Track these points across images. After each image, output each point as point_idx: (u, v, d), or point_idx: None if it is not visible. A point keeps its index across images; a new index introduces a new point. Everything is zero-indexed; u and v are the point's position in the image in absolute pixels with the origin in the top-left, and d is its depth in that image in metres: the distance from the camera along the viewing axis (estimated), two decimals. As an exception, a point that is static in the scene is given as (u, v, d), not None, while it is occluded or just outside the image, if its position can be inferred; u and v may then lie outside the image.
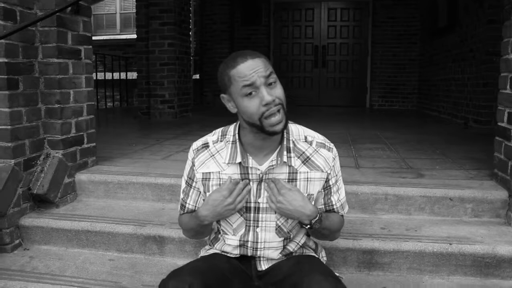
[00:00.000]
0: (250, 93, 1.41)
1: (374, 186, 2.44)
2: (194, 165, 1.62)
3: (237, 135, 1.56)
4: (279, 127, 1.43)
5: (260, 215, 1.58)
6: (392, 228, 2.25)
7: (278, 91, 1.44)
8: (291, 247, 1.66)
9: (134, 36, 6.07)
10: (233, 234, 1.61)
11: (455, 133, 4.70)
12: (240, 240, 1.62)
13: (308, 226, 1.51)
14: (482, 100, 4.93)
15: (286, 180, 1.55)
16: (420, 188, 2.39)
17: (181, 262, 2.12)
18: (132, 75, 7.17)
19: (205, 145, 1.62)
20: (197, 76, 7.70)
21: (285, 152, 1.54)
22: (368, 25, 8.02)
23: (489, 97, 4.86)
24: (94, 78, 2.88)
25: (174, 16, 5.30)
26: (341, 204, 1.65)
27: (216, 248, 1.71)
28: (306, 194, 1.56)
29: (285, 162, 1.53)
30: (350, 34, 8.15)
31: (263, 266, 1.66)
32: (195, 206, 1.66)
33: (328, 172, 1.58)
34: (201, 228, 1.64)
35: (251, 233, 1.60)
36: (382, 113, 7.25)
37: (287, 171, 1.54)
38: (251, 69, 1.41)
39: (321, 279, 1.41)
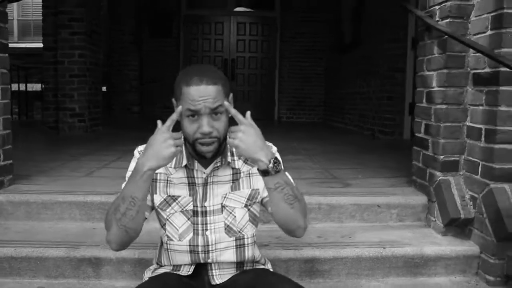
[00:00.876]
0: (193, 116, 1.42)
1: (308, 196, 2.50)
2: None
3: (182, 138, 1.52)
4: (208, 155, 1.47)
5: (208, 217, 1.56)
6: (327, 236, 2.34)
7: (220, 124, 1.44)
8: (247, 253, 1.65)
9: (35, 45, 5.68)
10: (178, 240, 1.57)
11: (365, 144, 5.03)
12: (189, 246, 1.57)
13: (268, 167, 1.41)
14: (387, 112, 5.34)
15: (231, 181, 1.57)
16: (350, 197, 2.53)
17: (119, 284, 2.04)
18: (33, 86, 6.68)
19: None
20: (104, 89, 7.39)
21: (228, 153, 1.57)
22: (276, 40, 8.30)
23: (393, 109, 5.29)
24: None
25: (85, 25, 5.04)
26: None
27: (165, 265, 1.65)
28: (250, 189, 1.58)
29: (229, 163, 1.56)
30: (259, 48, 8.36)
31: (217, 280, 1.63)
32: None
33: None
34: (133, 190, 1.44)
35: (200, 237, 1.57)
36: (291, 125, 7.51)
37: (231, 173, 1.57)
38: (201, 96, 1.41)
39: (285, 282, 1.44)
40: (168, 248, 1.62)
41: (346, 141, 5.21)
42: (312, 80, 8.24)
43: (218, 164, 1.55)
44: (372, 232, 2.38)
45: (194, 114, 1.42)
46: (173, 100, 1.51)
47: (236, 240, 1.60)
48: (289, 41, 8.15)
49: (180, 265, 1.63)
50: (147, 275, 1.73)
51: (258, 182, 1.59)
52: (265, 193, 1.59)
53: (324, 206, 2.48)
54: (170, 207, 1.57)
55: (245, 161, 1.59)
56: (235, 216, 1.58)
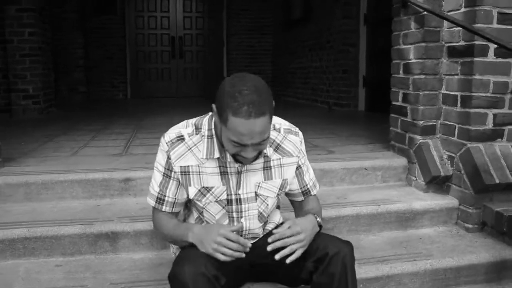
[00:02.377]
0: (235, 145, 1.44)
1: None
2: (170, 158, 1.60)
3: (212, 130, 1.58)
4: (245, 163, 1.55)
5: (243, 205, 1.65)
6: (324, 198, 2.51)
7: (264, 147, 1.51)
8: (270, 226, 1.79)
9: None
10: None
11: (325, 116, 5.26)
12: None
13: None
14: (342, 85, 5.61)
15: (262, 169, 1.66)
16: (340, 162, 2.72)
17: (137, 256, 2.10)
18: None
19: (180, 138, 1.60)
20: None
21: None
22: (222, 16, 8.29)
23: (348, 82, 5.56)
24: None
25: (34, 1, 4.79)
26: (313, 183, 1.81)
27: None
28: (281, 179, 1.69)
29: (273, 152, 1.65)
30: (206, 25, 8.32)
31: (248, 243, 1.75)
32: (175, 199, 1.65)
33: (298, 155, 1.71)
34: (179, 241, 1.64)
35: (235, 223, 1.66)
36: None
37: (262, 161, 1.65)
38: (249, 132, 1.39)
39: (335, 240, 1.60)
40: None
41: (307, 114, 5.42)
42: (261, 56, 8.37)
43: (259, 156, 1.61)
44: (362, 192, 2.59)
45: (239, 144, 1.44)
46: (214, 106, 1.47)
47: (264, 224, 1.74)
48: (236, 18, 8.20)
49: None
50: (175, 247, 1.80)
51: (288, 172, 1.70)
52: (295, 186, 1.76)
53: (317, 171, 2.64)
54: (205, 198, 1.64)
55: (276, 149, 1.68)
56: (267, 204, 1.69)
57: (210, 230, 1.52)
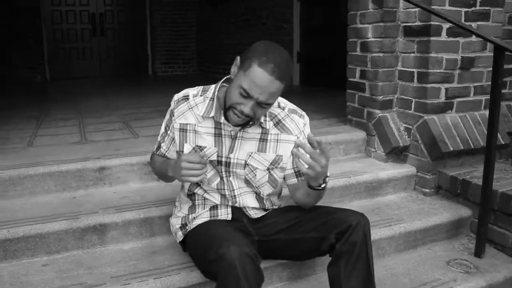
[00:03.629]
0: (243, 94, 1.50)
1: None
2: (173, 115, 1.74)
3: (216, 93, 1.69)
4: (232, 123, 1.62)
5: (231, 168, 1.73)
6: (297, 174, 2.62)
7: (262, 112, 1.59)
8: (270, 204, 1.85)
9: None
10: (208, 184, 1.75)
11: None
12: (218, 189, 1.76)
13: (322, 185, 1.65)
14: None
15: (258, 140, 1.72)
16: (307, 138, 2.83)
17: (126, 246, 2.07)
18: None
19: (186, 97, 1.75)
20: None
21: (262, 116, 1.69)
22: (144, -9, 7.98)
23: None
24: None
25: None
26: None
27: (203, 217, 1.78)
28: (275, 155, 1.75)
29: (261, 123, 1.71)
30: (128, 1, 7.93)
31: (255, 216, 1.81)
32: (166, 151, 1.82)
33: (298, 136, 1.77)
34: (165, 175, 1.78)
35: (225, 181, 1.75)
36: (170, 79, 7.42)
37: (260, 131, 1.72)
38: (262, 86, 1.47)
39: (351, 212, 1.71)
40: (202, 189, 1.79)
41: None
42: (185, 33, 8.18)
43: (250, 123, 1.67)
44: (330, 166, 2.71)
45: (244, 95, 1.50)
46: (238, 58, 1.57)
47: (253, 191, 1.80)
48: (159, -7, 7.92)
49: (217, 207, 1.77)
50: (179, 222, 1.83)
51: (284, 149, 1.75)
52: (289, 165, 1.79)
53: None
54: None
55: (276, 124, 1.74)
56: (255, 175, 1.75)
57: (177, 160, 1.64)
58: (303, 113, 1.81)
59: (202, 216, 1.79)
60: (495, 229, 2.33)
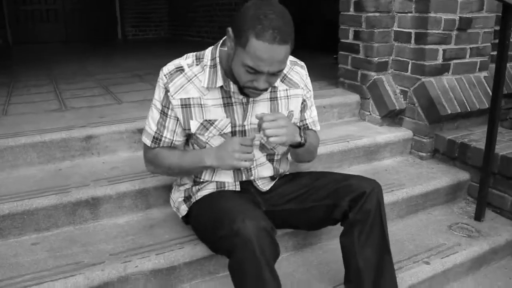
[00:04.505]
0: (251, 72, 1.36)
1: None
2: (168, 91, 1.52)
3: (217, 58, 1.51)
4: (255, 96, 1.50)
5: (247, 136, 1.60)
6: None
7: (276, 79, 1.44)
8: (283, 167, 1.75)
9: None
10: None
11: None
12: None
13: (301, 142, 1.54)
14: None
15: (268, 99, 1.61)
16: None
17: (121, 220, 1.95)
18: None
19: (180, 69, 1.53)
20: None
21: None
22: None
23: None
24: None
25: None
26: (313, 121, 1.79)
27: (204, 180, 1.67)
28: (287, 111, 1.65)
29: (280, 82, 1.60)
30: (93, -41, 7.44)
31: (264, 188, 1.72)
32: (173, 138, 1.59)
33: (303, 88, 1.69)
34: (193, 169, 1.59)
35: None
36: (142, 43, 7.10)
37: (269, 91, 1.59)
38: (267, 58, 1.31)
39: (364, 178, 1.63)
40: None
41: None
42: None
43: None
44: (324, 130, 2.61)
45: (252, 71, 1.36)
46: (229, 30, 1.38)
47: (267, 155, 1.68)
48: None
49: (224, 182, 1.65)
50: (181, 195, 1.71)
51: (295, 104, 1.67)
52: (297, 120, 1.70)
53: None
54: (208, 131, 1.57)
55: (282, 79, 1.63)
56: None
57: (225, 145, 1.49)
58: (302, 63, 1.71)
59: (208, 187, 1.67)
60: (494, 192, 2.32)
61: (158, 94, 1.56)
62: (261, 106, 1.60)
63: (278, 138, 1.43)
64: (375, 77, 2.72)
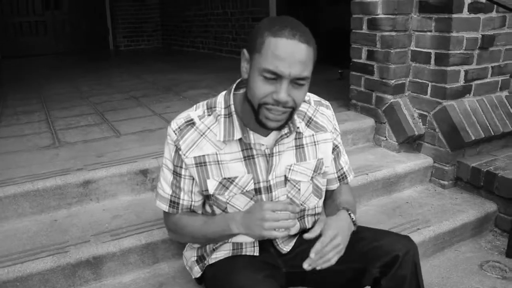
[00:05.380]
0: (270, 78, 1.16)
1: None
2: (180, 149, 1.32)
3: (232, 106, 1.31)
4: (273, 124, 1.24)
5: (273, 193, 1.40)
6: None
7: (301, 94, 1.22)
8: (308, 223, 1.56)
9: None
10: None
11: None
12: None
13: (354, 230, 1.41)
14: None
15: (294, 148, 1.41)
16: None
17: (127, 278, 1.76)
18: None
19: (190, 122, 1.33)
20: None
21: (295, 117, 1.36)
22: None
23: (258, 31, 5.28)
24: None
25: None
26: (348, 167, 1.60)
27: (218, 244, 1.46)
28: (315, 160, 1.45)
29: (298, 128, 1.39)
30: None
31: (285, 248, 1.53)
32: (192, 199, 1.38)
33: (332, 131, 1.49)
34: (217, 237, 1.37)
35: None
36: (137, 54, 6.90)
37: (294, 137, 1.40)
38: (288, 57, 1.14)
39: (396, 237, 1.43)
40: None
41: (224, 67, 5.03)
42: (147, 4, 7.59)
43: (286, 132, 1.35)
44: (339, 161, 2.46)
45: (272, 77, 1.16)
46: (244, 51, 1.22)
47: (300, 214, 1.49)
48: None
49: (241, 244, 1.46)
50: (194, 254, 1.52)
51: (324, 151, 1.47)
52: (331, 169, 1.52)
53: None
54: (228, 190, 1.36)
55: (308, 124, 1.44)
56: (299, 189, 1.44)
57: (253, 211, 1.26)
58: (327, 102, 1.51)
59: (223, 248, 1.47)
60: (525, 225, 2.16)
61: (168, 152, 1.36)
62: (286, 157, 1.40)
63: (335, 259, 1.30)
64: (391, 100, 2.54)
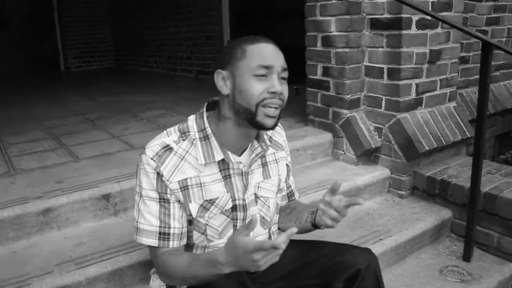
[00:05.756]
0: (263, 76, 1.26)
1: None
2: (162, 176, 1.29)
3: (208, 129, 1.34)
4: (271, 122, 1.29)
5: (247, 212, 1.43)
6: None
7: (286, 90, 1.32)
8: (274, 237, 1.59)
9: None
10: (219, 238, 1.41)
11: (199, 87, 4.96)
12: None
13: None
14: (206, 52, 5.35)
15: (261, 166, 1.46)
16: (274, 146, 2.57)
17: (94, 308, 1.69)
18: None
19: (167, 148, 1.32)
20: None
21: (265, 136, 1.44)
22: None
23: (212, 49, 5.33)
24: None
25: None
26: (295, 186, 1.68)
27: None
28: (278, 177, 1.51)
29: (269, 145, 1.46)
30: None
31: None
32: (182, 227, 1.34)
33: (286, 150, 1.58)
34: (211, 277, 1.27)
35: None
36: (89, 75, 6.74)
37: (259, 156, 1.44)
38: (273, 53, 1.29)
39: (358, 251, 1.47)
40: (207, 247, 1.43)
41: (180, 86, 5.02)
42: (98, 24, 7.47)
43: (260, 151, 1.40)
44: (300, 175, 2.49)
45: (265, 73, 1.26)
46: (218, 71, 1.30)
47: (268, 231, 1.53)
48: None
49: None
50: (162, 283, 1.49)
51: (281, 167, 1.54)
52: (284, 186, 1.60)
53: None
54: (208, 212, 1.37)
55: (269, 142, 1.49)
56: (269, 207, 1.49)
57: (237, 252, 1.17)
58: (279, 124, 1.54)
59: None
60: (478, 229, 2.26)
61: (149, 181, 1.31)
62: (256, 175, 1.44)
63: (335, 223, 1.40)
64: (348, 115, 2.62)
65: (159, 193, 1.30)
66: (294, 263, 1.50)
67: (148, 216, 1.32)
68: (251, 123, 1.29)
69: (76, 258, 1.74)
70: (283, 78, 1.30)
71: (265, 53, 1.27)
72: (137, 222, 1.33)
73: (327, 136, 2.74)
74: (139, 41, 6.78)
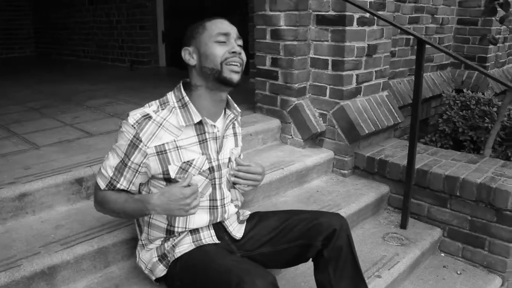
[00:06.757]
0: (222, 42, 1.51)
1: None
2: (141, 141, 1.51)
3: (186, 97, 1.56)
4: (236, 76, 1.55)
5: (222, 171, 1.67)
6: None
7: (244, 54, 1.58)
8: (240, 199, 1.83)
9: None
10: (201, 197, 1.62)
11: (138, 76, 4.93)
12: (210, 200, 1.65)
13: None
14: (140, 42, 5.34)
15: (233, 135, 1.75)
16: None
17: (80, 285, 1.78)
18: None
19: (147, 116, 1.53)
20: None
21: (235, 104, 1.70)
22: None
23: (146, 38, 5.33)
24: None
25: None
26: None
27: (177, 232, 1.64)
28: (240, 146, 1.81)
29: (239, 112, 1.72)
30: None
31: (237, 234, 1.73)
32: (128, 187, 1.58)
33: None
34: (137, 215, 1.59)
35: (217, 190, 1.67)
36: (10, 63, 6.39)
37: (231, 126, 1.73)
38: (228, 24, 1.56)
39: (331, 215, 1.71)
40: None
41: (117, 76, 4.96)
42: (19, 9, 7.05)
43: (233, 117, 1.67)
44: (254, 158, 2.69)
45: (224, 39, 1.52)
46: (185, 48, 1.56)
47: (230, 191, 1.76)
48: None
49: (198, 230, 1.63)
50: (154, 254, 1.65)
51: (240, 139, 1.82)
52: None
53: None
54: (187, 173, 1.58)
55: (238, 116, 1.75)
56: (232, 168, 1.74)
57: (171, 196, 1.45)
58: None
59: (184, 242, 1.62)
60: (412, 201, 2.61)
61: (124, 143, 1.52)
62: (230, 141, 1.70)
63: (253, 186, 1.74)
64: (296, 102, 2.86)
65: (125, 154, 1.52)
66: (275, 229, 1.71)
67: (107, 164, 1.56)
68: (219, 81, 1.52)
69: (60, 239, 1.80)
70: (239, 46, 1.55)
71: (222, 25, 1.53)
72: (102, 165, 1.58)
73: (276, 122, 2.97)
74: (65, 29, 6.53)
